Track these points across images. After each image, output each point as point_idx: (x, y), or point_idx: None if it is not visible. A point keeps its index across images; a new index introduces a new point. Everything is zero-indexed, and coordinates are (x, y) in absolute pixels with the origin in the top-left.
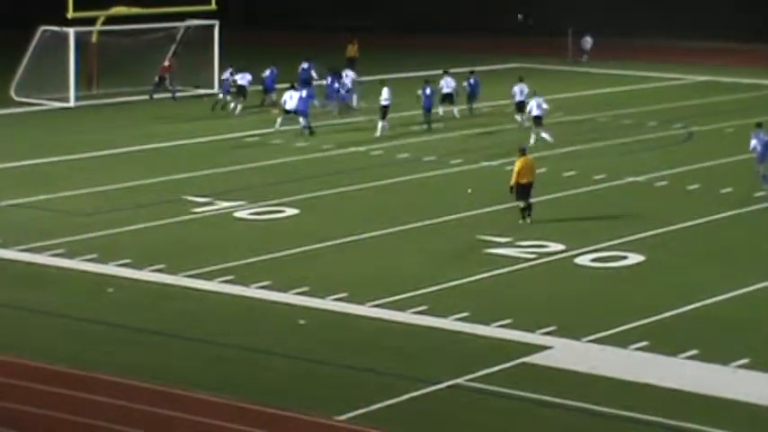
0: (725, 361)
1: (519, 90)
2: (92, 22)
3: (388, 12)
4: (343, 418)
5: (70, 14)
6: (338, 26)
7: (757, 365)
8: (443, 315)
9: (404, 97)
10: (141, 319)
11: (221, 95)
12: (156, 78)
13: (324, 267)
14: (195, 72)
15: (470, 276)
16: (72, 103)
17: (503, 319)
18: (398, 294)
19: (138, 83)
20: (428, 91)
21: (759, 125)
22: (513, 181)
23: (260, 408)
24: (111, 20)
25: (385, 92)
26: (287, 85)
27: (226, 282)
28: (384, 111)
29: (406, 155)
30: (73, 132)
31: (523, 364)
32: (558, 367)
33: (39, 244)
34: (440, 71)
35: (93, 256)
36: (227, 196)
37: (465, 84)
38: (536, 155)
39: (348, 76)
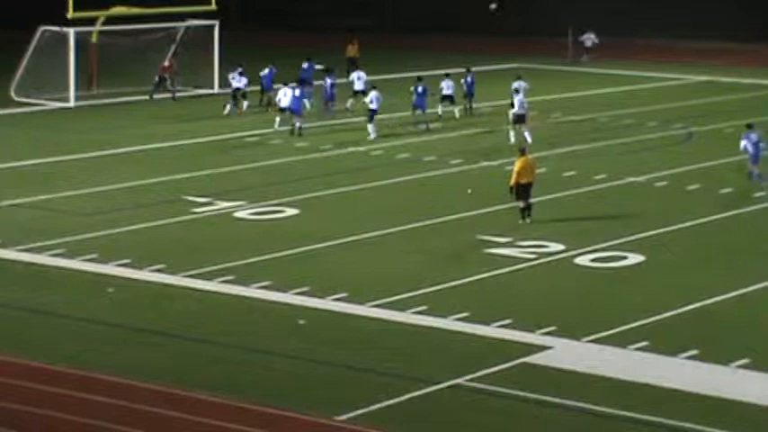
0: (725, 361)
1: (518, 87)
2: (92, 22)
3: (388, 12)
4: (343, 418)
5: (70, 14)
6: (338, 26)
7: (757, 365)
8: (443, 315)
9: (404, 98)
10: (141, 319)
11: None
12: (156, 78)
13: (324, 267)
14: (195, 72)
15: (470, 276)
16: (72, 103)
17: (503, 319)
18: (398, 294)
19: (138, 83)
20: (420, 89)
21: (749, 126)
22: (512, 181)
23: (260, 408)
24: (111, 20)
25: (372, 94)
26: (292, 85)
27: (226, 282)
28: (372, 114)
29: (406, 155)
30: (73, 132)
31: (523, 364)
32: (558, 367)
33: (39, 244)
34: (440, 71)
35: (93, 256)
36: (227, 196)
37: (462, 81)
38: (536, 155)
39: (361, 78)
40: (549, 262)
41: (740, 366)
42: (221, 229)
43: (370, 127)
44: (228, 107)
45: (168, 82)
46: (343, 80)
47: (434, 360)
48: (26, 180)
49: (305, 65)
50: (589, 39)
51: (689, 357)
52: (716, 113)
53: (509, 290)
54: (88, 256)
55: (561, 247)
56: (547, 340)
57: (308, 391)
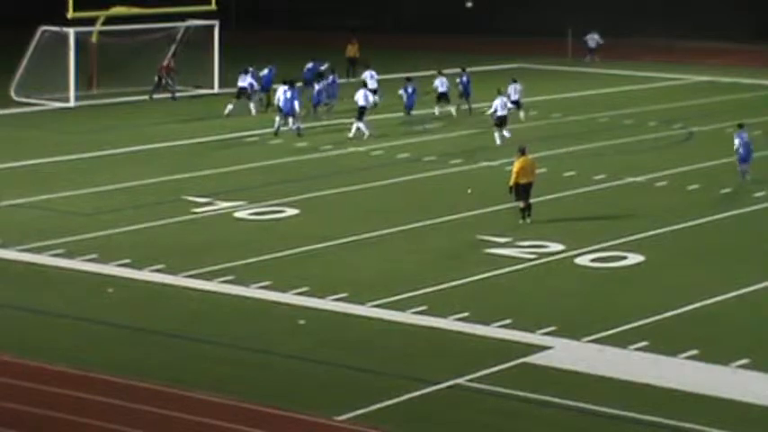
0: (725, 361)
1: (513, 89)
2: (92, 22)
3: (388, 12)
4: (343, 418)
5: (70, 14)
6: (338, 26)
7: (757, 365)
8: (443, 315)
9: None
10: (141, 319)
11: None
12: (156, 78)
13: (324, 267)
14: (195, 72)
15: (470, 276)
16: (72, 103)
17: (503, 319)
18: (398, 294)
19: (138, 83)
20: (410, 89)
21: (741, 126)
22: (511, 181)
23: (260, 408)
24: (111, 20)
25: (361, 92)
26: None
27: (226, 282)
28: (361, 111)
29: (406, 155)
30: (73, 132)
31: (523, 364)
32: (558, 367)
33: (39, 244)
34: (445, 70)
35: (93, 256)
36: (227, 196)
37: (458, 81)
38: (536, 155)
39: (373, 76)
40: (549, 262)
41: (740, 366)
42: (221, 229)
43: (359, 125)
44: (230, 107)
45: (167, 81)
46: (342, 80)
47: (434, 360)
48: (26, 180)
49: (309, 64)
50: (593, 39)
51: (689, 357)
52: (716, 113)
53: (509, 290)
54: (88, 256)
55: (561, 247)
56: (547, 340)
57: (308, 391)
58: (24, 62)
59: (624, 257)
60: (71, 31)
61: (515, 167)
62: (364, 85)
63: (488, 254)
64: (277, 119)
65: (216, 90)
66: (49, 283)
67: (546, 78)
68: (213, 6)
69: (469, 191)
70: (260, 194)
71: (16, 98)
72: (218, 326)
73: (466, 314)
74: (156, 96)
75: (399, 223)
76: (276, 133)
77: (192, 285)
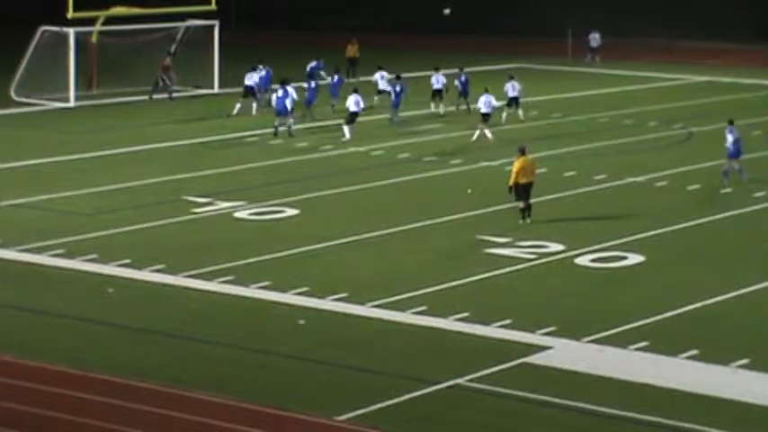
0: (725, 361)
1: (511, 87)
2: (92, 22)
3: (388, 12)
4: (343, 418)
5: (70, 14)
6: (338, 26)
7: (757, 365)
8: (443, 315)
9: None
10: (141, 319)
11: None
12: (158, 79)
13: (324, 267)
14: (195, 72)
15: (470, 276)
16: (72, 103)
17: (503, 319)
18: (398, 294)
19: (138, 83)
20: (397, 88)
21: (731, 122)
22: (511, 181)
23: (260, 408)
24: (111, 20)
25: (353, 98)
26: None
27: (226, 282)
28: (352, 116)
29: (406, 155)
30: (73, 132)
31: (523, 364)
32: (558, 367)
33: (39, 244)
34: (443, 70)
35: (93, 256)
36: (227, 196)
37: (456, 82)
38: (536, 155)
39: (384, 77)
40: (549, 262)
41: (740, 366)
42: (221, 229)
43: (345, 128)
44: (238, 106)
45: (165, 81)
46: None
47: (434, 360)
48: (26, 180)
49: (313, 63)
50: (594, 39)
51: (689, 357)
52: (716, 113)
53: (509, 290)
54: (88, 256)
55: (561, 247)
56: (547, 340)
57: (308, 391)
58: (24, 62)
59: (624, 257)
60: (71, 31)
61: (515, 167)
62: (354, 90)
63: (488, 254)
64: (277, 119)
65: (216, 90)
66: (49, 283)
67: (546, 78)
68: (213, 6)
69: (469, 191)
70: (260, 194)
71: (16, 98)
72: (218, 326)
73: (466, 314)
74: (155, 96)
75: (399, 223)
76: (276, 133)
77: (192, 285)
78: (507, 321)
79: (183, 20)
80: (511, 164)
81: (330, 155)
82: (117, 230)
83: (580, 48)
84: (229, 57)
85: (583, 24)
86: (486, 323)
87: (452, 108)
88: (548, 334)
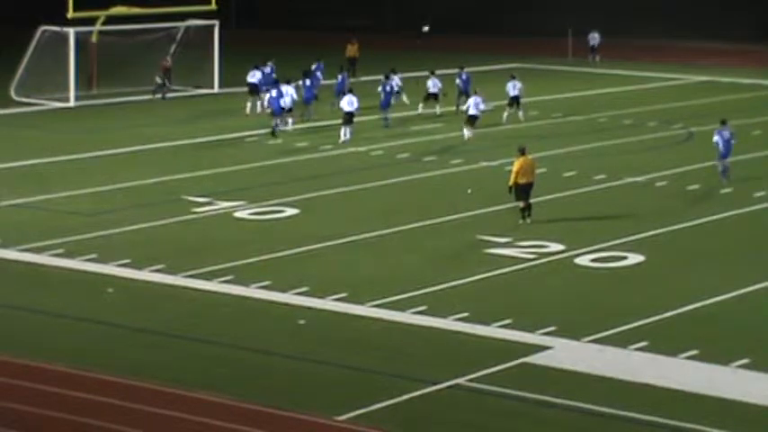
0: (725, 361)
1: (512, 86)
2: (92, 21)
3: (388, 12)
4: (343, 418)
5: (70, 14)
6: (338, 26)
7: (757, 365)
8: (443, 315)
9: (414, 95)
10: (141, 319)
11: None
12: (157, 79)
13: (324, 267)
14: (195, 72)
15: (470, 276)
16: (72, 103)
17: (503, 319)
18: (398, 294)
19: (138, 83)
20: (387, 88)
21: (723, 122)
22: (511, 181)
23: (260, 408)
24: (111, 20)
25: (347, 98)
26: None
27: (226, 282)
28: (348, 117)
29: (406, 155)
30: (73, 132)
31: (523, 364)
32: (558, 367)
33: (39, 244)
34: (441, 70)
35: (93, 256)
36: (227, 196)
37: (457, 81)
38: (536, 155)
39: (394, 78)
40: (549, 262)
41: (740, 366)
42: (221, 229)
43: (342, 130)
44: (249, 105)
45: (165, 81)
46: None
47: (434, 360)
48: (26, 180)
49: (314, 66)
50: (594, 38)
51: (689, 357)
52: (716, 113)
53: (509, 290)
54: (88, 256)
55: (561, 247)
56: (547, 340)
57: (307, 391)
58: (24, 62)
59: (624, 257)
60: (71, 31)
61: (515, 167)
62: (350, 90)
63: (488, 254)
64: (278, 120)
65: (216, 90)
66: (49, 283)
67: (546, 78)
68: (213, 6)
69: (469, 191)
70: (260, 194)
71: (16, 98)
72: (218, 326)
73: (466, 314)
74: (157, 95)
75: (399, 223)
76: (274, 133)
77: (191, 285)
78: (507, 321)
79: (182, 20)
80: (511, 164)
81: (330, 155)
82: (117, 230)
83: (580, 48)
84: (229, 57)
85: (583, 24)
86: (486, 323)
87: (453, 108)
88: (548, 334)
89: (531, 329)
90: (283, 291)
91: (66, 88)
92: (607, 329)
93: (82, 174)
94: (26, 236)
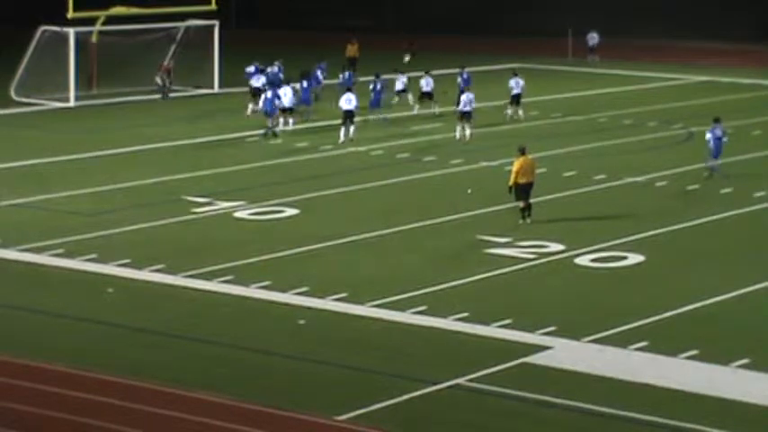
0: (725, 361)
1: (515, 83)
2: (92, 22)
3: (388, 12)
4: (343, 418)
5: (70, 14)
6: (338, 26)
7: (757, 365)
8: (443, 315)
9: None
10: (141, 319)
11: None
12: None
13: (324, 267)
14: (195, 72)
15: (470, 276)
16: (72, 103)
17: (503, 319)
18: (398, 294)
19: (138, 83)
20: (378, 86)
21: (717, 120)
22: (511, 181)
23: (260, 408)
24: (111, 20)
25: (345, 97)
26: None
27: (226, 282)
28: (347, 115)
29: (406, 155)
30: (73, 132)
31: (523, 364)
32: (558, 367)
33: (39, 244)
34: (440, 71)
35: (93, 256)
36: (227, 196)
37: (458, 80)
38: (536, 155)
39: (400, 79)
40: (549, 262)
41: (740, 366)
42: (221, 229)
43: (342, 130)
44: (251, 107)
45: (166, 82)
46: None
47: (434, 360)
48: (26, 180)
49: (316, 66)
50: (592, 38)
51: (689, 357)
52: (716, 113)
53: (509, 290)
54: (88, 256)
55: (561, 247)
56: (547, 340)
57: (307, 391)
58: (24, 62)
59: (624, 257)
60: (71, 31)
61: (515, 167)
62: (348, 89)
63: (488, 254)
64: (280, 120)
65: (216, 90)
66: (49, 283)
67: (546, 78)
68: (213, 6)
69: (469, 191)
70: (260, 194)
71: (16, 98)
72: (218, 326)
73: (466, 314)
74: (164, 96)
75: (399, 223)
76: (275, 133)
77: (191, 285)
78: (507, 321)
79: (182, 20)
80: (511, 164)
81: (330, 155)
82: (117, 230)
83: (580, 48)
84: (229, 57)
85: (583, 24)
86: (486, 323)
87: (453, 108)
88: (548, 334)
89: (531, 329)
90: (283, 291)
91: (66, 88)
92: (607, 329)
93: (82, 174)
94: (26, 236)
